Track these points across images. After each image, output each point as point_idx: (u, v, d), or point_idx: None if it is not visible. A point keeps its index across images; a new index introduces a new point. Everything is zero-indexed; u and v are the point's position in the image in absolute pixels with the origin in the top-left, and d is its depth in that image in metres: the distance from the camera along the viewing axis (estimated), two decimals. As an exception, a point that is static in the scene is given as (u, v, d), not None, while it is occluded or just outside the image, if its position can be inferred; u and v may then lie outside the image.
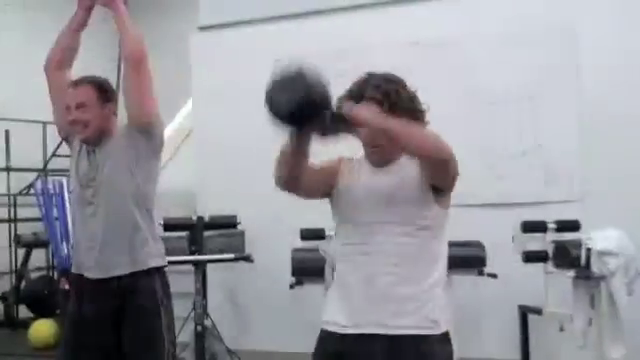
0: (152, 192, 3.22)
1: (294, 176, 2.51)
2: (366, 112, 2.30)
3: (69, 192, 7.81)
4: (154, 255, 3.18)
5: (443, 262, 2.44)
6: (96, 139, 3.14)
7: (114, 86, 3.32)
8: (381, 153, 2.48)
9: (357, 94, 2.50)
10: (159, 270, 3.20)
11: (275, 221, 6.13)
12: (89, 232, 3.13)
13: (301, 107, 2.14)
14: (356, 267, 2.42)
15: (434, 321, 2.35)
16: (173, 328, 3.24)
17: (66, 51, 3.26)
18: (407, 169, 2.43)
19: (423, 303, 2.35)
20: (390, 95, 2.46)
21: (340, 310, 2.44)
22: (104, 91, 3.15)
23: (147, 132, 3.13)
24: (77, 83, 3.15)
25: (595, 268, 4.53)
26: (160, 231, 5.55)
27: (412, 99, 2.54)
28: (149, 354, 3.11)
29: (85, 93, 3.11)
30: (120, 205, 3.10)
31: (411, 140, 2.29)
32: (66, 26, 3.28)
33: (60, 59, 3.26)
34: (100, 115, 3.12)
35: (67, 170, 8.22)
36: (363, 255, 2.41)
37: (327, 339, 2.46)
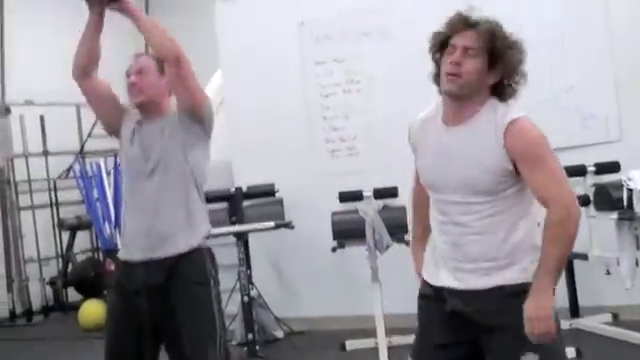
0: (205, 171, 3.32)
1: (88, 61, 3.20)
2: None
3: (107, 173, 7.96)
4: (200, 236, 3.26)
5: None
6: (148, 109, 3.25)
7: None
8: None
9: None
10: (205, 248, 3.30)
11: (313, 185, 6.20)
12: (140, 210, 3.22)
13: None
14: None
15: None
16: (220, 300, 3.32)
17: (88, 57, 3.32)
18: None
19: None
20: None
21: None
22: (162, 64, 3.20)
23: (198, 117, 3.21)
24: (139, 54, 3.34)
25: (638, 208, 4.53)
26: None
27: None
28: (201, 324, 3.19)
29: (146, 61, 3.25)
30: (172, 183, 3.19)
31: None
32: (83, 32, 3.35)
33: (85, 66, 3.32)
34: (157, 84, 3.22)
35: (104, 151, 8.43)
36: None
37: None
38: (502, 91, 2.50)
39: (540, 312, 2.35)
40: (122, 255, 3.31)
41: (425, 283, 2.64)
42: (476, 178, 2.41)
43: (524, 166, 2.38)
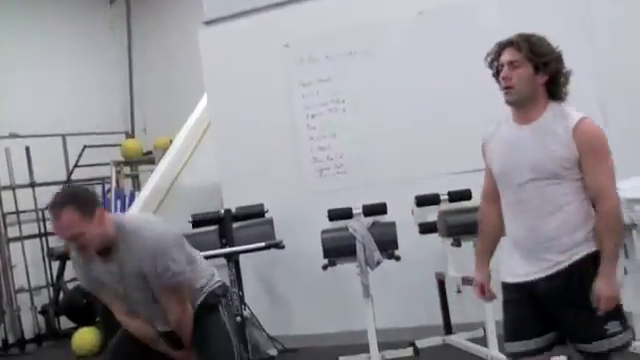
0: (187, 261, 3.33)
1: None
2: None
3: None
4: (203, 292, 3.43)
5: None
6: (103, 251, 3.17)
7: None
8: None
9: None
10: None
11: (302, 204, 6.21)
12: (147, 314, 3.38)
13: None
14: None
15: None
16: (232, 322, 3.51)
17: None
18: None
19: None
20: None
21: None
22: (83, 204, 3.07)
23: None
24: (57, 214, 3.06)
25: (626, 217, 4.55)
26: (189, 228, 5.65)
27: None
28: (221, 345, 3.35)
29: (70, 223, 3.03)
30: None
31: None
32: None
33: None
34: (95, 232, 3.08)
35: (90, 180, 8.41)
36: None
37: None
38: (555, 93, 2.91)
39: (611, 292, 2.75)
40: None
41: (507, 284, 2.96)
42: (545, 163, 2.80)
43: (587, 158, 2.78)
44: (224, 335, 3.37)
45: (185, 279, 3.24)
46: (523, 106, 2.87)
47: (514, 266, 2.92)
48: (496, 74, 2.94)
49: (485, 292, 3.12)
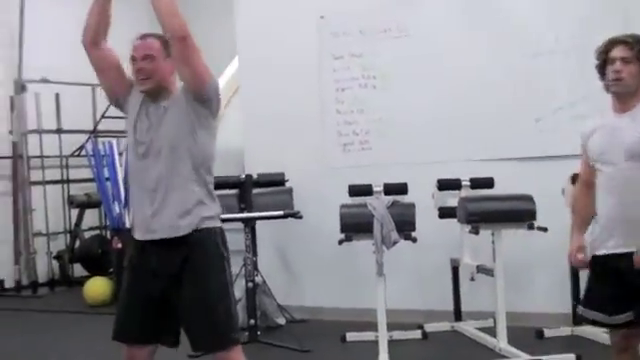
0: (212, 152, 3.25)
1: (97, 29, 3.24)
2: None
3: (119, 153, 7.90)
4: (210, 216, 3.19)
5: None
6: (156, 92, 3.16)
7: None
8: None
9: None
10: (217, 228, 3.23)
11: (323, 177, 6.20)
12: (146, 190, 3.16)
13: None
14: None
15: None
16: (231, 274, 3.30)
17: (97, 24, 3.26)
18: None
19: None
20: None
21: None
22: (167, 47, 3.14)
23: (203, 98, 3.14)
24: (143, 36, 3.21)
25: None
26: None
27: None
28: (221, 304, 3.15)
29: (151, 45, 3.15)
30: (178, 163, 3.12)
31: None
32: (93, 1, 3.28)
33: (94, 33, 3.27)
34: (164, 68, 3.14)
35: (117, 132, 8.38)
36: None
37: None
38: None
39: None
40: (135, 233, 3.24)
41: (597, 256, 3.23)
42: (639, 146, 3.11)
43: None
44: (228, 298, 3.18)
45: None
46: (624, 97, 3.19)
47: (605, 240, 3.18)
48: (601, 66, 3.26)
49: (578, 257, 3.36)
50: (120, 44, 3.38)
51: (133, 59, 3.17)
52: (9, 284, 8.58)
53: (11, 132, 8.74)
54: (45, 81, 8.84)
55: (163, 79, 3.15)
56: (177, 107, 3.13)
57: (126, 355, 3.22)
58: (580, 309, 3.35)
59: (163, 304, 3.14)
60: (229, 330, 3.15)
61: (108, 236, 8.68)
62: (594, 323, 3.32)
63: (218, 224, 3.22)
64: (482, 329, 5.39)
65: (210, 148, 3.23)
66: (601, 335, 4.98)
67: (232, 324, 3.17)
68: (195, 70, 3.09)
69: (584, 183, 3.44)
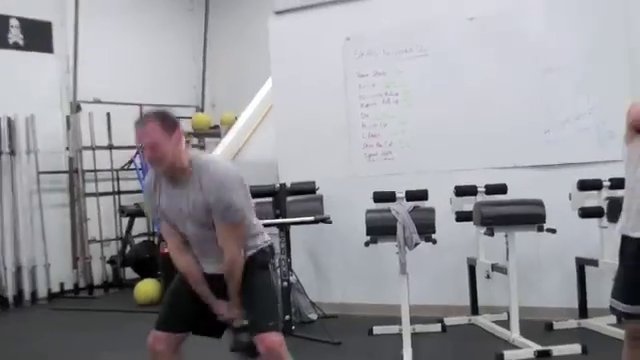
0: (249, 207, 3.32)
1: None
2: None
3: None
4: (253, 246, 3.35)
5: None
6: (173, 170, 3.16)
7: None
8: None
9: None
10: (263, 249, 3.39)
11: (350, 185, 6.25)
12: (198, 250, 3.33)
13: None
14: None
15: None
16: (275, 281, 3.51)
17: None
18: None
19: None
20: None
21: None
22: (166, 124, 3.11)
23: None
24: (142, 122, 3.15)
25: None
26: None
27: None
28: (267, 301, 3.29)
29: (153, 133, 3.08)
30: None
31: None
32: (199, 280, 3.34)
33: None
34: (171, 150, 3.10)
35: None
36: None
37: None
38: None
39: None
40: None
41: (629, 238, 3.21)
42: None
43: None
44: (272, 294, 3.34)
45: (245, 217, 3.21)
46: None
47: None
48: None
49: None
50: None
51: (141, 147, 3.24)
52: (68, 287, 8.67)
53: (68, 149, 8.88)
54: (97, 102, 9.03)
55: (174, 158, 3.11)
56: (201, 197, 3.15)
57: (152, 338, 3.29)
58: (627, 307, 3.17)
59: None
60: (269, 317, 3.25)
61: (156, 242, 8.79)
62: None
63: (264, 242, 3.38)
64: (497, 322, 5.43)
65: (247, 207, 3.29)
66: (606, 327, 5.04)
67: (272, 314, 3.28)
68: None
69: None
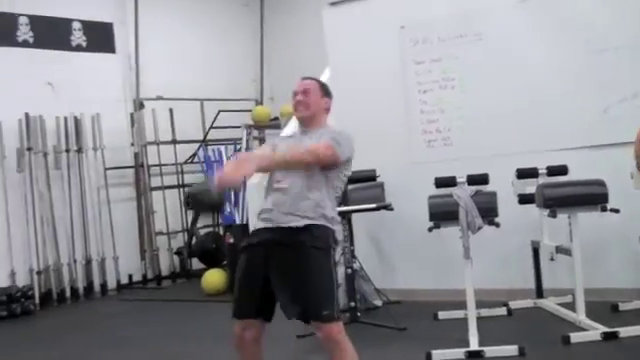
0: (340, 183, 3.54)
1: None
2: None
3: (227, 158, 8.15)
4: (326, 220, 3.38)
5: None
6: (309, 122, 3.54)
7: None
8: None
9: None
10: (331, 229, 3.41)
11: (410, 172, 6.24)
12: (277, 200, 3.39)
13: None
14: None
15: None
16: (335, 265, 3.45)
17: None
18: None
19: None
20: None
21: None
22: (324, 88, 3.58)
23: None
24: (304, 78, 3.62)
25: None
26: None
27: None
28: (321, 285, 3.28)
29: (310, 83, 3.57)
30: (315, 182, 3.36)
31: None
32: None
33: None
34: (319, 103, 3.54)
35: (224, 140, 8.66)
36: None
37: None
38: None
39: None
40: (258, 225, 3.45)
41: None
42: None
43: None
44: (327, 279, 3.29)
45: (339, 158, 3.38)
46: None
47: None
48: None
49: None
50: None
51: (294, 93, 3.53)
52: (137, 278, 8.86)
53: (133, 144, 9.05)
54: (160, 98, 9.18)
55: (317, 111, 3.53)
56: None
57: (237, 332, 3.34)
58: None
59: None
60: (323, 305, 3.23)
61: (221, 232, 8.89)
62: None
63: (329, 226, 3.40)
64: (562, 304, 5.38)
65: (340, 177, 3.56)
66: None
67: (327, 302, 3.25)
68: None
69: None
